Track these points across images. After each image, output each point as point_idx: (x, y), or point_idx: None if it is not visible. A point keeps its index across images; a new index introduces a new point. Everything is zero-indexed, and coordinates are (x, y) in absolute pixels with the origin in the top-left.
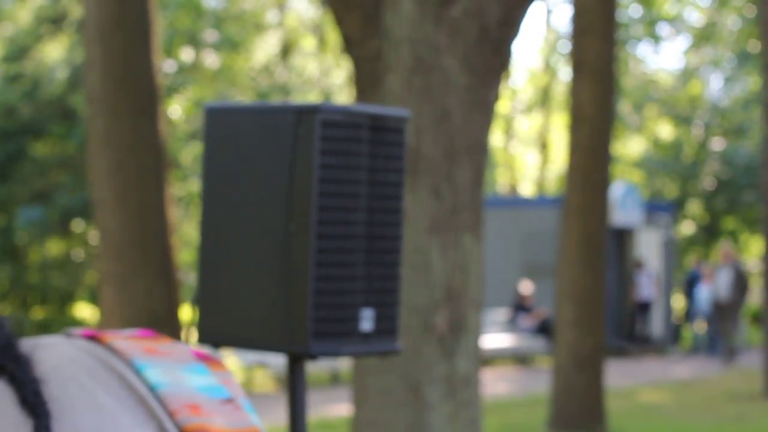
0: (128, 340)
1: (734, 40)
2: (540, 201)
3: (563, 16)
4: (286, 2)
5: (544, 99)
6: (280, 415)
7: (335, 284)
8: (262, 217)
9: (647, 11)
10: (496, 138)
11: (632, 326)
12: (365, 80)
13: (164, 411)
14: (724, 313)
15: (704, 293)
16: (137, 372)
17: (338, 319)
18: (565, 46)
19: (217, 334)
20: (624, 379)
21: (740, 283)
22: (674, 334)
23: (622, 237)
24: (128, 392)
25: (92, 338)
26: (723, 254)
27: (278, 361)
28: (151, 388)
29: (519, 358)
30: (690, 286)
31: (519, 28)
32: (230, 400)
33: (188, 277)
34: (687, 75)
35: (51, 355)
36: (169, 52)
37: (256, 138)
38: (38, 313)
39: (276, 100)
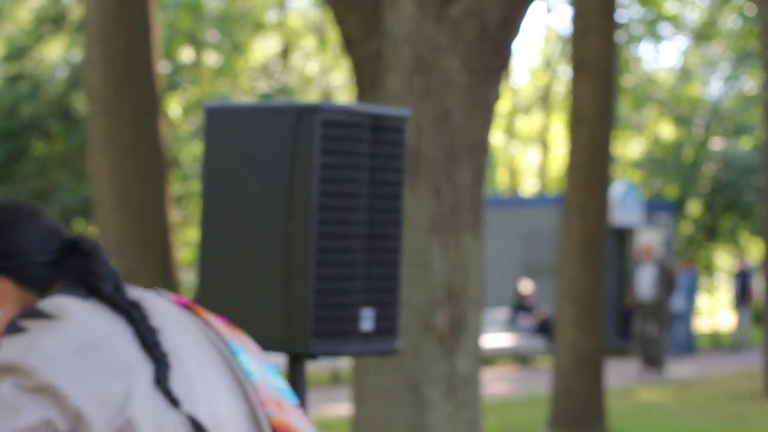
0: (219, 321)
1: (734, 40)
2: (540, 201)
3: (563, 16)
4: (287, 2)
5: (544, 99)
6: None
7: (335, 284)
8: (263, 217)
9: (648, 11)
10: (496, 138)
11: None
12: (365, 80)
13: (257, 399)
14: (646, 315)
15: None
16: (233, 354)
17: (338, 319)
18: (566, 46)
19: None
20: (624, 379)
21: (665, 281)
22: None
23: (623, 237)
24: (227, 369)
25: (186, 307)
26: (644, 251)
27: (278, 360)
28: (246, 374)
29: (519, 358)
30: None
31: (519, 27)
32: (299, 406)
33: (188, 276)
34: (687, 75)
35: (159, 309)
36: (169, 52)
37: (256, 137)
38: None
39: (276, 99)
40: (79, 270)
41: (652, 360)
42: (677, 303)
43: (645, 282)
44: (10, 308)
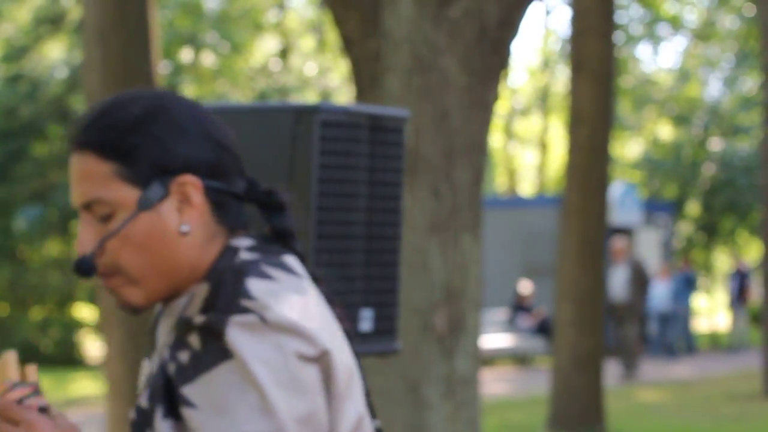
0: None
1: (733, 40)
2: (539, 201)
3: (563, 17)
4: (285, 2)
5: (543, 99)
6: None
7: (334, 284)
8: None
9: (647, 11)
10: (495, 138)
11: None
12: (364, 80)
13: None
14: (621, 317)
15: (658, 291)
16: None
17: None
18: (565, 47)
19: None
20: (623, 379)
21: (639, 282)
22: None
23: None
24: None
25: None
26: (617, 250)
27: None
28: None
29: (518, 358)
30: (681, 287)
31: (518, 28)
32: None
33: None
34: (686, 75)
35: None
36: (169, 52)
37: (255, 138)
38: (37, 313)
39: (275, 100)
40: (276, 226)
41: (630, 363)
42: (664, 303)
43: (618, 283)
44: (200, 233)
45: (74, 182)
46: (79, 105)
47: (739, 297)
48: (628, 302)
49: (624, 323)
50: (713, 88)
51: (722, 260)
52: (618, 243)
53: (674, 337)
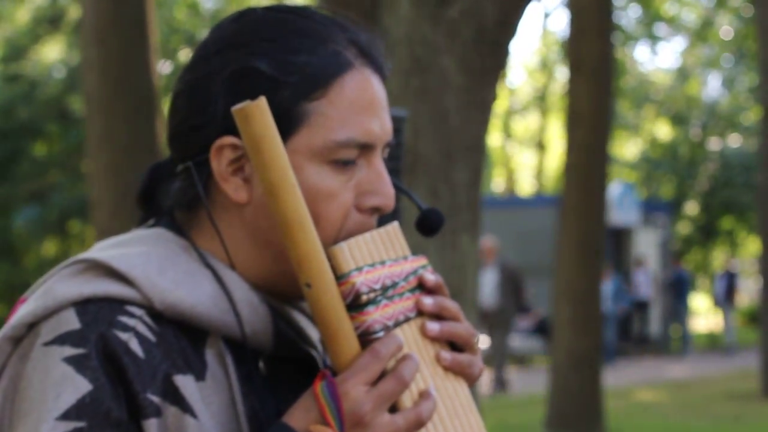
0: None
1: (731, 40)
2: (537, 201)
3: (561, 17)
4: (283, 2)
5: (541, 99)
6: None
7: None
8: None
9: (645, 11)
10: (493, 138)
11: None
12: None
13: None
14: (490, 325)
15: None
16: None
17: None
18: (563, 47)
19: None
20: (622, 378)
21: (510, 286)
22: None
23: (620, 237)
24: None
25: None
26: (485, 250)
27: None
28: None
29: (516, 358)
30: (677, 287)
31: (516, 28)
32: None
33: None
34: (684, 75)
35: None
36: (167, 52)
37: None
38: None
39: None
40: None
41: (498, 376)
42: (603, 305)
43: (487, 287)
44: None
45: (384, 110)
46: (78, 105)
47: (727, 297)
48: (498, 308)
49: (493, 332)
50: (711, 88)
51: (720, 260)
52: (486, 243)
53: (612, 338)
